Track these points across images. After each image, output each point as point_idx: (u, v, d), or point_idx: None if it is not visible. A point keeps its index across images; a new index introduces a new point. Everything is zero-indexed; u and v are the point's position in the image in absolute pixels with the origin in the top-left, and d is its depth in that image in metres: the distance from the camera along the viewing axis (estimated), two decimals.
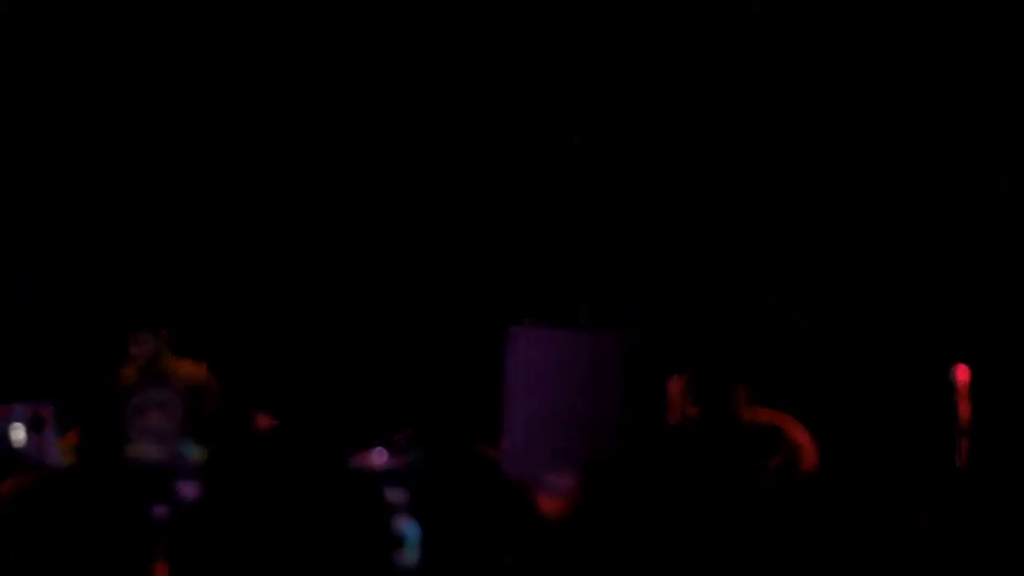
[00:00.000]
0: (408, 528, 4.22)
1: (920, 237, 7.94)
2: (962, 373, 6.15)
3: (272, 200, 8.75)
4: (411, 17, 8.22)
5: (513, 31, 8.13)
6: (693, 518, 4.27)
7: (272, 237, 8.75)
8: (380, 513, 4.28)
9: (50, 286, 8.38)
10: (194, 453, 6.55)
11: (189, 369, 7.16)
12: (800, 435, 5.25)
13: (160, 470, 6.29)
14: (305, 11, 8.23)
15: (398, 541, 4.29)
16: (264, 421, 6.77)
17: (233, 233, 8.73)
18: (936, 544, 5.59)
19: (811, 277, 8.12)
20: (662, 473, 4.28)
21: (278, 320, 9.05)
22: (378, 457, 6.35)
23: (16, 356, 7.94)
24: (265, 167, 8.69)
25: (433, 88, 8.46)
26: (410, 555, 4.32)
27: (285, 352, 8.99)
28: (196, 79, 8.42)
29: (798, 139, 8.08)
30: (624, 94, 8.21)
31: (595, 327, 7.80)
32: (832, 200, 8.09)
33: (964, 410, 6.10)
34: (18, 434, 5.97)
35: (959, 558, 5.40)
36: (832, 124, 7.98)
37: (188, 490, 6.08)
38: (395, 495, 5.04)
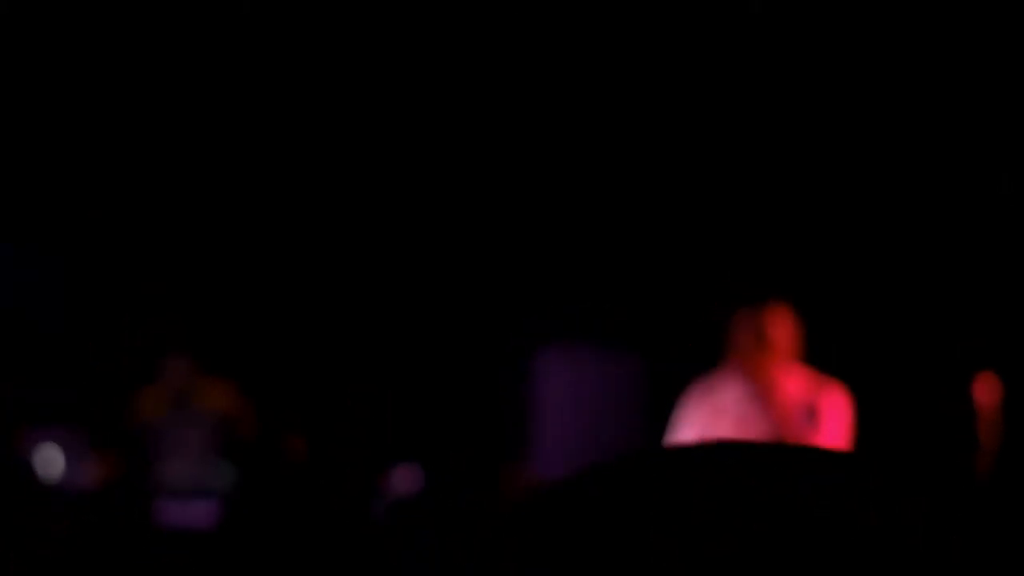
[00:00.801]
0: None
1: (934, 249, 7.96)
2: (988, 390, 6.20)
3: (296, 228, 8.81)
4: (413, 20, 8.25)
5: (512, 33, 8.16)
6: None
7: (300, 265, 8.81)
8: (399, 536, 4.34)
9: (79, 310, 8.47)
10: (225, 475, 6.64)
11: (220, 392, 7.22)
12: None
13: (190, 491, 6.39)
14: (305, 13, 8.27)
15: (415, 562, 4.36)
16: (295, 443, 6.84)
17: (263, 261, 8.80)
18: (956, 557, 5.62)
19: (833, 295, 8.14)
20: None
21: (306, 345, 9.12)
22: (402, 481, 6.43)
23: (49, 381, 8.02)
24: (289, 196, 8.77)
25: (451, 113, 8.52)
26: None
27: (313, 377, 9.07)
28: (223, 102, 8.49)
29: (807, 155, 8.10)
30: (627, 101, 8.23)
31: (622, 348, 7.86)
32: (848, 218, 8.11)
33: (988, 427, 6.14)
34: (52, 458, 6.07)
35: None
36: (833, 125, 8.00)
37: (214, 511, 6.16)
38: (414, 518, 5.11)
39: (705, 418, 5.22)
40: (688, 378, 8.03)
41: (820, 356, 7.99)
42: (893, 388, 7.77)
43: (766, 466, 1.13)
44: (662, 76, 8.15)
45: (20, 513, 3.93)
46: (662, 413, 7.65)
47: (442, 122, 8.51)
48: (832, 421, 5.08)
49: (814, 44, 7.88)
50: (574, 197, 8.46)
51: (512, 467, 6.53)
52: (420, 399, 8.92)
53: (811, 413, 5.07)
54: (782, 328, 5.17)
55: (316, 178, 8.78)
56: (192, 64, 8.37)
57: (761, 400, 5.19)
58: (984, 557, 1.12)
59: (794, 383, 5.14)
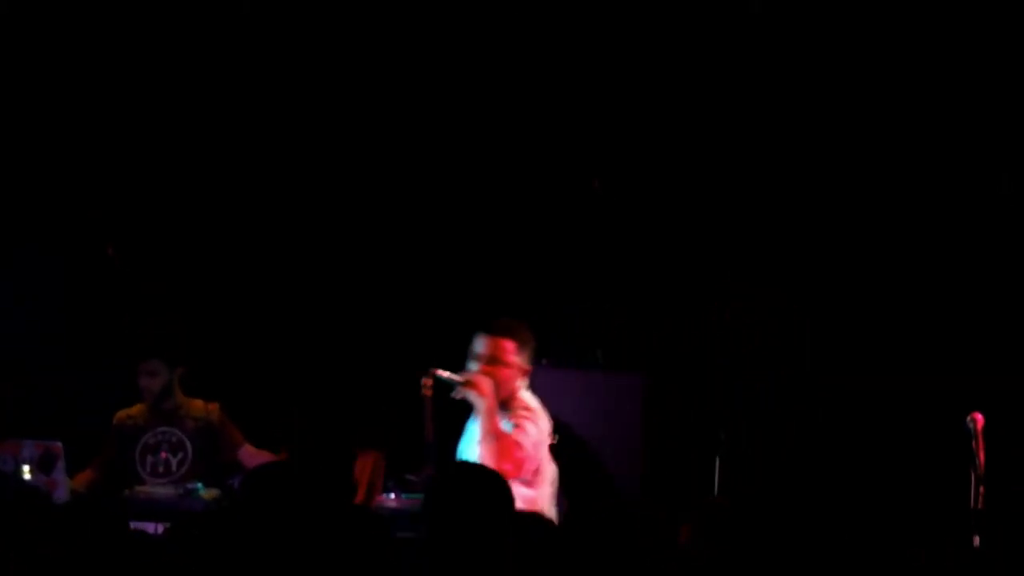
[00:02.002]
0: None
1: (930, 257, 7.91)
2: (979, 420, 6.14)
3: (283, 240, 8.73)
4: (419, 35, 8.20)
5: (512, 33, 8.10)
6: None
7: (285, 280, 8.72)
8: (390, 554, 4.24)
9: (60, 319, 8.35)
10: (204, 493, 6.52)
11: (200, 408, 7.10)
12: None
13: (169, 508, 6.27)
14: (306, 19, 8.21)
15: None
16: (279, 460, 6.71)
17: (245, 277, 8.71)
18: None
19: (830, 317, 8.08)
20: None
21: (290, 360, 9.02)
22: (391, 498, 6.32)
23: (28, 394, 7.91)
24: (282, 208, 8.68)
25: (449, 127, 8.45)
26: None
27: (297, 391, 8.96)
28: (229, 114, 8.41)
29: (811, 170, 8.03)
30: (628, 109, 8.17)
31: (614, 367, 7.78)
32: (847, 230, 8.05)
33: (981, 455, 6.08)
34: (27, 472, 5.96)
35: None
36: (833, 125, 7.94)
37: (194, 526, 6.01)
38: (408, 535, 5.00)
39: None
40: (683, 395, 7.99)
41: (825, 379, 7.95)
42: (891, 411, 7.72)
43: None
44: (662, 76, 8.09)
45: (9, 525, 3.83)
46: (656, 430, 7.60)
47: (430, 129, 8.45)
48: None
49: (814, 44, 7.83)
50: (560, 205, 8.39)
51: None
52: (397, 410, 8.83)
53: None
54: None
55: (298, 182, 8.70)
56: (191, 68, 8.32)
57: None
58: None
59: None
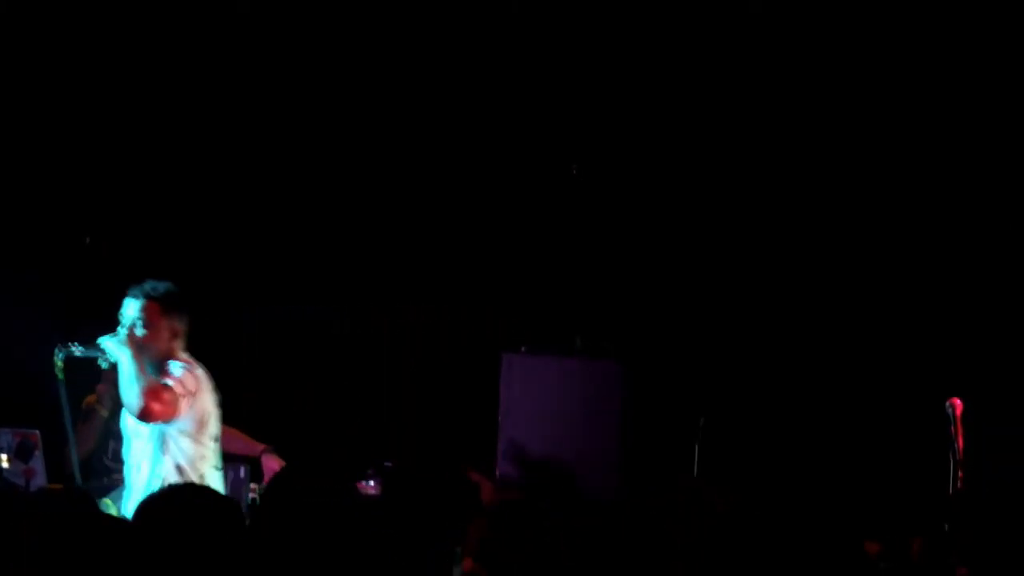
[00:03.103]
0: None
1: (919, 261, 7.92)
2: (958, 405, 6.18)
3: (279, 228, 8.74)
4: (414, 37, 8.19)
5: (511, 34, 8.09)
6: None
7: (274, 268, 8.72)
8: (373, 541, 4.22)
9: (44, 311, 8.33)
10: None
11: None
12: None
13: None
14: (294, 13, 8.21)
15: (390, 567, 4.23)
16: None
17: (237, 268, 8.72)
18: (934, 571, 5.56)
19: (810, 303, 8.09)
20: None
21: (279, 350, 9.02)
22: (371, 485, 6.32)
23: (5, 382, 7.87)
24: (273, 199, 8.70)
25: (435, 125, 8.45)
26: None
27: (283, 382, 8.97)
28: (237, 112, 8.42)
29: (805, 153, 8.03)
30: (622, 106, 8.17)
31: (592, 353, 7.77)
32: (829, 220, 8.05)
33: (960, 440, 6.11)
34: (4, 461, 5.93)
35: None
36: (832, 126, 7.95)
37: None
38: (386, 522, 4.99)
39: None
40: (662, 382, 7.99)
41: (804, 364, 7.96)
42: (872, 397, 7.73)
43: None
44: (661, 76, 8.09)
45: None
46: (635, 417, 7.60)
47: (420, 128, 8.45)
48: None
49: (814, 44, 7.82)
50: (538, 192, 8.39)
51: (478, 472, 6.41)
52: (389, 402, 8.84)
53: None
54: None
55: (289, 180, 8.71)
56: (189, 73, 8.32)
57: None
58: None
59: None
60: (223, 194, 8.79)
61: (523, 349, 7.50)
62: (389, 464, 6.31)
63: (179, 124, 8.57)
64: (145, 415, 5.65)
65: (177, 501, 3.51)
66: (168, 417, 5.69)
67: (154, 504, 3.53)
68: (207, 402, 5.87)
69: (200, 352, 6.00)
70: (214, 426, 5.91)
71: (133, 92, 8.45)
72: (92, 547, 3.69)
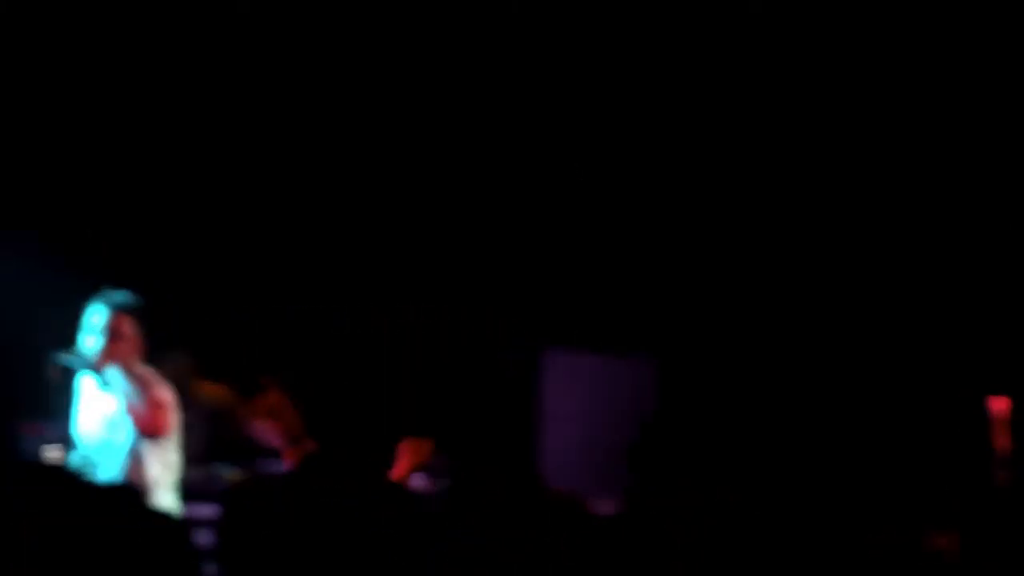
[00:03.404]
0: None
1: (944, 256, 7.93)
2: (1000, 405, 6.19)
3: (279, 228, 8.74)
4: (415, 38, 8.21)
5: (511, 35, 8.10)
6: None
7: (302, 263, 8.73)
8: (416, 534, 4.25)
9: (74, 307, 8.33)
10: (225, 474, 6.52)
11: (214, 391, 7.09)
12: None
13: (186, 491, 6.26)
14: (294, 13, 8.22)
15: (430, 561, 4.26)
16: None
17: (265, 259, 8.72)
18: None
19: (846, 303, 8.09)
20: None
21: (312, 344, 9.03)
22: (416, 480, 6.32)
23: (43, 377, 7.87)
24: (285, 191, 8.69)
25: (436, 125, 8.47)
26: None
27: (319, 376, 8.97)
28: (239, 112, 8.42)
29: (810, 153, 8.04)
30: (626, 104, 8.18)
31: (628, 351, 7.79)
32: (858, 220, 8.06)
33: (1003, 440, 6.12)
34: (52, 454, 5.94)
35: None
36: (832, 126, 7.96)
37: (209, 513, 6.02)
38: (430, 517, 5.01)
39: None
40: (697, 381, 8.00)
41: (838, 364, 7.97)
42: (909, 397, 7.73)
43: None
44: (661, 77, 8.11)
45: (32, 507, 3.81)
46: (671, 417, 7.62)
47: (446, 123, 8.46)
48: None
49: (814, 44, 7.84)
50: (578, 199, 8.41)
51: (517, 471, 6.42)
52: (426, 400, 8.84)
53: None
54: None
55: (312, 176, 8.71)
56: (188, 74, 8.33)
57: None
58: None
59: None
60: (223, 194, 8.78)
61: (560, 347, 7.52)
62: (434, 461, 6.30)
63: (179, 124, 8.56)
64: (153, 429, 5.65)
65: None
66: (170, 430, 5.71)
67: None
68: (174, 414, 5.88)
69: (200, 352, 6.03)
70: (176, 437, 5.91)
71: (133, 92, 8.45)
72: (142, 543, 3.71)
